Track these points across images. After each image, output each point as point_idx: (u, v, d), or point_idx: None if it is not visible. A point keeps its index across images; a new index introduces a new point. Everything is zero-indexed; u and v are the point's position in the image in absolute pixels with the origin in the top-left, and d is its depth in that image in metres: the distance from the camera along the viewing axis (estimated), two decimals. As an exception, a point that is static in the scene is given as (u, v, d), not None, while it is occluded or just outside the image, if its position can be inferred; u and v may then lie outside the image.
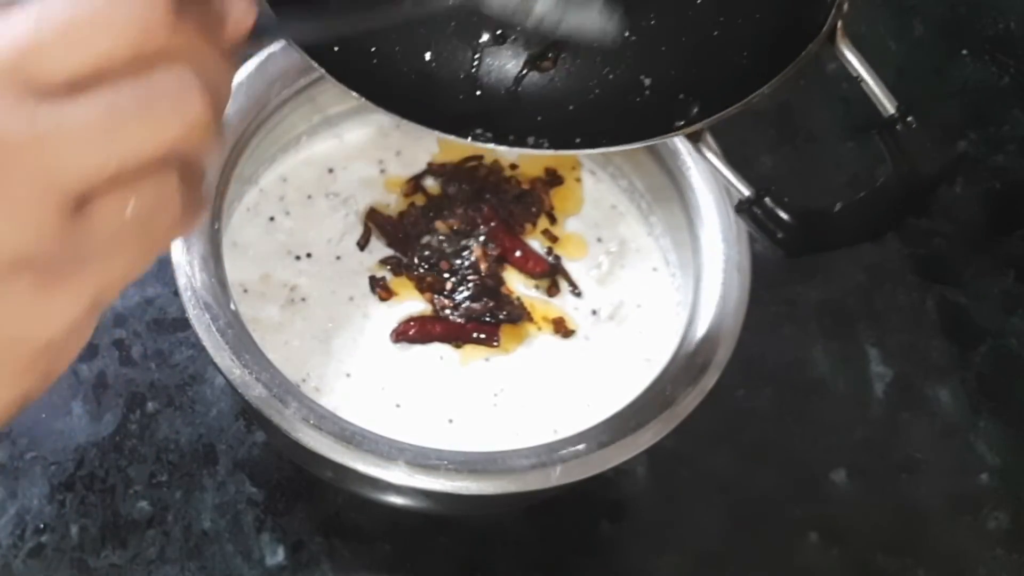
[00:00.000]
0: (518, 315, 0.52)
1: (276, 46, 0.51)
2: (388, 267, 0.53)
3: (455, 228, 0.54)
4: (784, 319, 0.62)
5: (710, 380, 0.47)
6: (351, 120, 0.57)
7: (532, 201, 0.56)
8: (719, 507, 0.57)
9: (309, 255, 0.53)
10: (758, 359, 0.60)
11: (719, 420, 0.52)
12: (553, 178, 0.57)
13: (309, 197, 0.55)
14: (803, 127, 0.70)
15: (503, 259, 0.54)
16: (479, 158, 0.57)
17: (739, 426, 0.58)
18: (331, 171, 0.56)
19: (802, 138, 0.70)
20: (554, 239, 0.55)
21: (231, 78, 0.31)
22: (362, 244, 0.54)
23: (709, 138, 0.40)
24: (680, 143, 0.52)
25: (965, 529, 0.58)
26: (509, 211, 0.55)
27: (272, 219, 0.54)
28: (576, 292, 0.54)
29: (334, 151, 0.57)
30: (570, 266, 0.55)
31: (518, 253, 0.54)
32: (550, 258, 0.55)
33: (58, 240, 0.27)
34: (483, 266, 0.53)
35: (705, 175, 0.52)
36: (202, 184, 0.30)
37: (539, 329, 0.53)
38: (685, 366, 0.47)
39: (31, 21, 0.26)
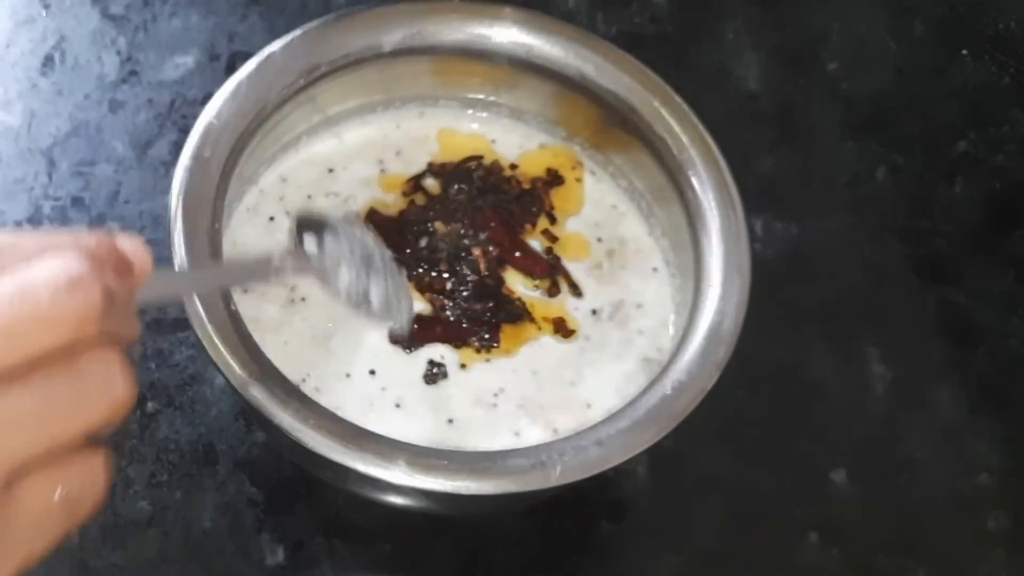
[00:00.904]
0: (519, 315, 0.52)
1: (276, 45, 0.52)
2: None
3: (455, 228, 0.54)
4: (784, 319, 0.62)
5: (710, 380, 0.47)
6: (351, 120, 0.57)
7: (532, 201, 0.56)
8: (719, 507, 0.57)
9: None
10: (758, 359, 0.59)
11: (719, 420, 0.52)
12: (554, 178, 0.57)
13: (309, 197, 0.55)
14: (803, 127, 0.70)
15: (503, 260, 0.54)
16: (479, 158, 0.57)
17: (739, 426, 0.58)
18: (331, 171, 0.56)
19: (802, 138, 0.70)
20: (554, 239, 0.55)
21: (136, 327, 0.32)
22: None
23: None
24: (683, 139, 0.53)
25: (965, 529, 0.58)
26: (509, 211, 0.55)
27: (272, 219, 0.54)
28: (576, 292, 0.54)
29: (334, 151, 0.57)
30: (570, 266, 0.55)
31: (518, 253, 0.54)
32: (549, 258, 0.55)
33: None
34: (482, 265, 0.53)
35: (705, 175, 0.52)
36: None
37: (539, 329, 0.53)
38: (685, 366, 0.47)
39: None
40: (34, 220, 0.60)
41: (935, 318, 0.64)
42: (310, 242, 0.42)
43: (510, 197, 0.56)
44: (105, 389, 0.29)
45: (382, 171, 0.56)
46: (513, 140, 0.58)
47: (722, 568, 0.56)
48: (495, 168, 0.57)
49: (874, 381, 0.61)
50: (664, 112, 0.53)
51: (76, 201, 0.61)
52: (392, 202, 0.55)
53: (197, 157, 0.48)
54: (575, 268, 0.55)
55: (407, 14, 0.54)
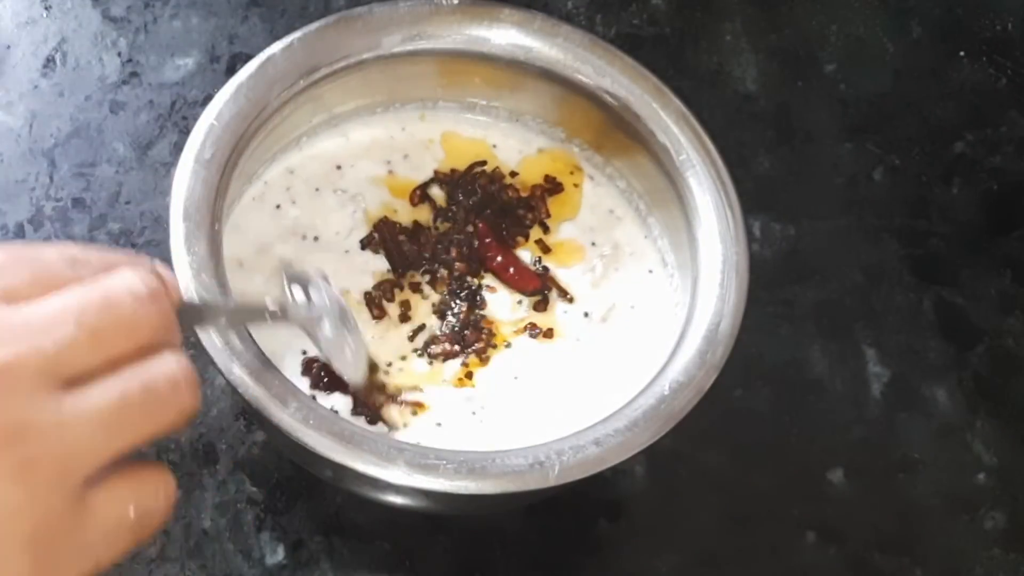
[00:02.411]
0: (483, 348, 0.52)
1: (277, 47, 0.52)
2: (380, 290, 0.53)
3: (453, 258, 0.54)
4: (782, 319, 0.63)
5: (708, 380, 0.47)
6: (355, 120, 0.57)
7: (528, 211, 0.56)
8: (717, 506, 0.57)
9: (316, 238, 0.53)
10: (756, 359, 0.60)
11: (717, 420, 0.52)
12: (553, 185, 0.57)
13: (317, 190, 0.55)
14: (801, 128, 0.70)
15: (494, 273, 0.54)
16: (483, 163, 0.57)
17: (737, 426, 0.59)
18: (339, 168, 0.56)
19: (800, 139, 0.70)
20: (547, 249, 0.55)
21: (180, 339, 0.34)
22: (364, 244, 0.54)
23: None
24: (681, 140, 0.53)
25: (962, 529, 0.58)
26: (503, 226, 0.55)
27: (278, 207, 0.54)
28: (568, 298, 0.54)
29: (341, 149, 0.56)
30: (563, 271, 0.55)
31: (511, 270, 0.54)
32: (539, 267, 0.54)
33: (66, 522, 0.29)
34: (458, 266, 0.53)
35: (703, 176, 0.52)
36: None
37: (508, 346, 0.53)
38: (683, 366, 0.47)
39: (70, 325, 0.30)
40: (35, 221, 0.60)
41: (932, 318, 0.64)
42: (298, 293, 0.44)
43: (506, 210, 0.55)
44: (174, 394, 0.31)
45: (390, 172, 0.56)
46: (513, 144, 0.58)
47: (720, 567, 0.56)
48: (497, 176, 0.57)
49: (871, 381, 0.61)
50: (662, 113, 0.54)
51: (77, 202, 0.61)
52: (400, 208, 0.55)
53: (198, 158, 0.48)
54: (568, 273, 0.55)
55: (406, 16, 0.54)
